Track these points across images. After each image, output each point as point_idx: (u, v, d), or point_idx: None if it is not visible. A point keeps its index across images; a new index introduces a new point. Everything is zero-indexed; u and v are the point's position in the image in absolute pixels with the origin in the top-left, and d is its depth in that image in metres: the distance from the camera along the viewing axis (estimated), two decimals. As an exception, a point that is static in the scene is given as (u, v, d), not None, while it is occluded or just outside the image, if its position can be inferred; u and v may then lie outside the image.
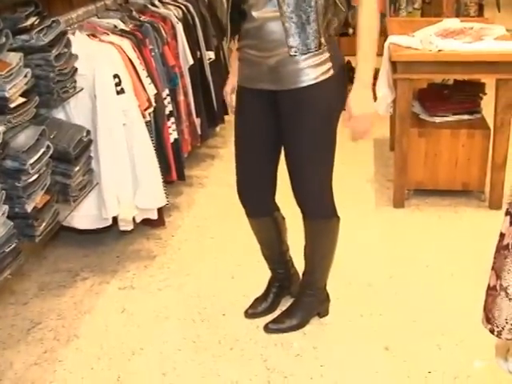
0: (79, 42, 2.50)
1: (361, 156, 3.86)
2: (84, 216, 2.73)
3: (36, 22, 2.26)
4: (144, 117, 2.73)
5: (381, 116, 3.49)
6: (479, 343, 2.20)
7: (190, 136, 3.49)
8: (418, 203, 3.30)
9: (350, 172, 3.56)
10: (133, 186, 2.69)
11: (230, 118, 4.17)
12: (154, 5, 3.38)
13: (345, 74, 2.06)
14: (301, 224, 2.23)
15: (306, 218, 2.20)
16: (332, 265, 2.32)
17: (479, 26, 3.22)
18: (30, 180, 2.10)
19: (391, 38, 3.15)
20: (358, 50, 1.95)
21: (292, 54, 1.91)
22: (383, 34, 4.16)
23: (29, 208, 2.12)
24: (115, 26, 2.86)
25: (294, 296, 2.44)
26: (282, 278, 2.46)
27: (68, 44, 2.38)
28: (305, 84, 1.96)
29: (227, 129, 4.24)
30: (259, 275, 2.56)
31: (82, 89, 2.49)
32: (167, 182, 3.17)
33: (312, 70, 1.95)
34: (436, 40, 2.94)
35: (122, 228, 2.82)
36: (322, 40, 1.91)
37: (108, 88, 2.51)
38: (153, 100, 2.81)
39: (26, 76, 2.11)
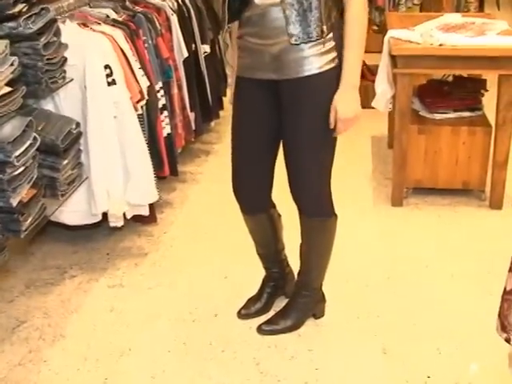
0: (69, 31, 2.41)
1: (358, 153, 3.79)
2: (73, 211, 2.65)
3: (24, 9, 2.17)
4: (136, 109, 2.65)
5: (379, 112, 3.42)
6: (481, 347, 2.14)
7: (184, 131, 3.42)
8: (417, 202, 3.24)
9: (347, 169, 3.48)
10: (123, 181, 2.61)
11: (225, 114, 4.11)
12: (148, -5, 3.30)
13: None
14: (297, 221, 2.15)
15: (302, 216, 2.12)
16: (328, 264, 2.24)
17: (481, 21, 3.16)
18: (16, 173, 2.03)
19: (391, 32, 3.09)
20: (345, 48, 1.88)
21: (293, 42, 1.84)
22: (383, 28, 4.11)
23: (14, 202, 2.04)
24: (107, 16, 2.78)
25: (288, 296, 2.36)
26: (276, 278, 2.38)
27: (57, 32, 2.29)
28: (308, 73, 1.88)
29: (222, 124, 4.17)
30: (253, 274, 2.48)
31: (72, 79, 2.41)
32: (160, 177, 3.11)
33: (316, 59, 1.87)
34: (437, 34, 2.87)
35: (112, 224, 2.74)
36: (324, 28, 1.84)
37: (99, 79, 2.44)
38: (145, 92, 2.73)
39: (12, 64, 2.02)
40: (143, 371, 2.10)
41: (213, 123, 4.03)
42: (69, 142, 2.34)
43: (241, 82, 2.06)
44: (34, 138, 2.12)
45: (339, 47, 1.90)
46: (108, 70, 2.44)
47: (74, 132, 2.38)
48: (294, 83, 1.91)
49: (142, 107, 2.77)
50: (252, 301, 2.37)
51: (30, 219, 2.14)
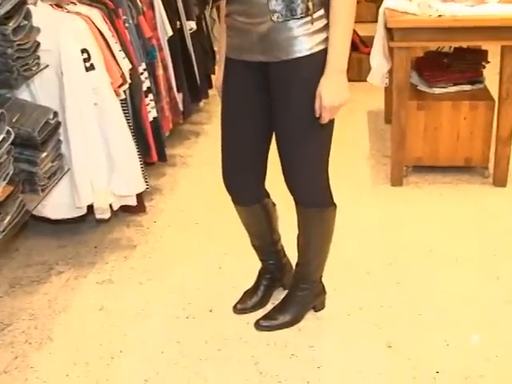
0: (41, 13, 2.24)
1: (354, 129, 3.65)
2: (56, 205, 2.52)
3: (-11, -9, 2.01)
4: (118, 95, 2.49)
5: (375, 86, 3.27)
6: (490, 336, 2.03)
7: (171, 113, 3.27)
8: (417, 181, 3.12)
9: (342, 147, 3.33)
10: (108, 171, 2.47)
11: (214, 92, 3.94)
12: (127, -29, 3.11)
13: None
14: (294, 208, 2.02)
15: (298, 206, 1.99)
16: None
17: (481, -11, 2.99)
18: (-12, 170, 1.89)
19: (386, 3, 2.93)
20: (331, 25, 1.71)
21: (274, 19, 1.69)
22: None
23: (-12, 202, 1.91)
24: (84, -5, 2.60)
25: (287, 288, 2.25)
26: (273, 270, 2.26)
27: (28, 15, 2.12)
28: (299, 54, 1.73)
29: (212, 103, 4.02)
30: (249, 264, 2.37)
31: (47, 66, 2.25)
32: (148, 163, 2.96)
33: (306, 39, 1.72)
34: (436, 3, 2.71)
35: (98, 216, 2.61)
36: (310, 5, 1.68)
37: (76, 64, 2.28)
38: (127, 76, 2.57)
39: (-22, 53, 1.88)
40: (135, 374, 1.99)
41: (202, 103, 3.90)
42: (46, 133, 2.20)
43: (229, 63, 1.91)
44: (8, 132, 1.97)
45: None
46: (85, 55, 2.28)
47: (52, 122, 2.23)
48: (283, 66, 1.76)
49: (124, 92, 2.61)
50: (248, 294, 2.26)
51: (8, 218, 2.02)
